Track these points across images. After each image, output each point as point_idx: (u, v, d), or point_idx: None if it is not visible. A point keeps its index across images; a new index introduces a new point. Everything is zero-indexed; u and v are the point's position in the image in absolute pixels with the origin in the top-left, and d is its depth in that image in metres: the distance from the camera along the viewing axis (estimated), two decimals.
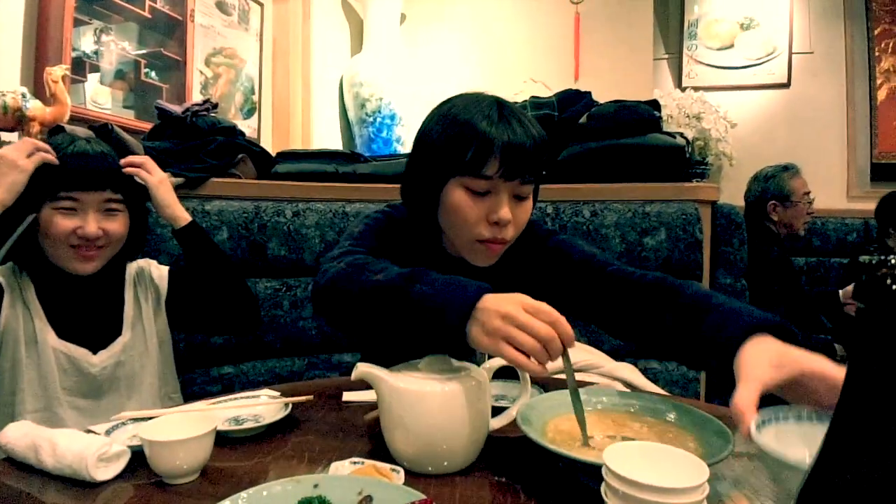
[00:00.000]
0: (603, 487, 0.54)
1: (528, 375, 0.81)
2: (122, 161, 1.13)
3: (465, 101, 0.92)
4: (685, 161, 1.76)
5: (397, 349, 0.83)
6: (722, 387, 1.76)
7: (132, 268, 1.21)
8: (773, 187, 2.31)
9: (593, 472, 0.60)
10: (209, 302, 1.21)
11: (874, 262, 0.24)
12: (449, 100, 0.94)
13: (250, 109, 3.18)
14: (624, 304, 0.91)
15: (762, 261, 2.08)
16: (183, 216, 1.20)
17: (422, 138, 0.94)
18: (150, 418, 0.79)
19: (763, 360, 0.67)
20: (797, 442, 0.57)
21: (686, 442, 0.72)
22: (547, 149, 0.91)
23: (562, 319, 0.68)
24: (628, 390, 1.00)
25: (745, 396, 0.62)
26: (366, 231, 0.99)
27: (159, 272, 1.24)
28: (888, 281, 0.24)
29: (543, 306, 0.69)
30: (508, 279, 0.97)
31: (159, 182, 1.18)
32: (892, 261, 0.24)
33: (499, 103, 0.90)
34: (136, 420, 0.86)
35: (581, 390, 0.84)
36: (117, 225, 1.09)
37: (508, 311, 0.68)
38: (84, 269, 1.06)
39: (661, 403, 0.82)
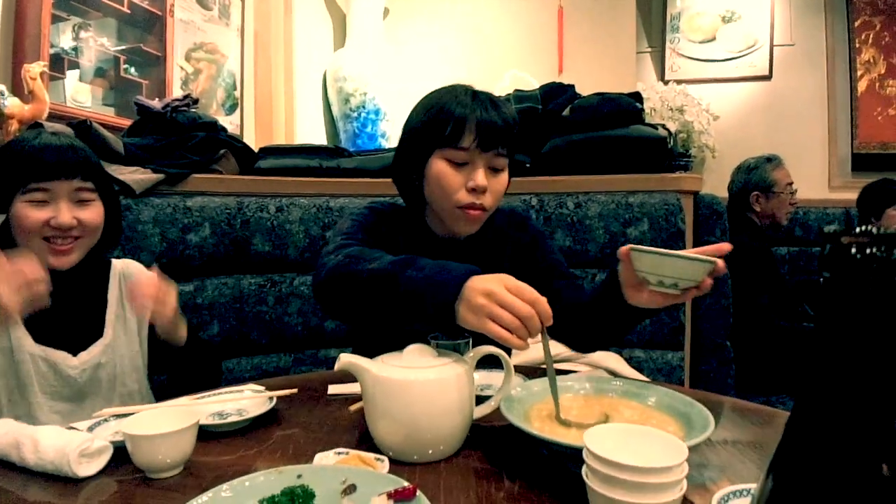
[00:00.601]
0: (584, 469, 0.55)
1: (511, 364, 0.82)
2: (130, 287, 1.05)
3: (443, 90, 1.06)
4: (667, 152, 1.77)
5: (391, 341, 0.84)
6: (706, 376, 1.78)
7: (117, 266, 1.18)
8: (756, 178, 2.32)
9: (576, 457, 0.60)
10: (178, 371, 1.19)
11: (838, 231, 0.25)
12: (428, 94, 1.08)
13: (232, 105, 3.15)
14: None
15: (743, 251, 2.10)
16: (183, 336, 1.13)
17: (408, 124, 1.08)
18: (132, 414, 0.78)
19: None
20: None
21: (667, 425, 0.73)
22: (516, 129, 1.03)
23: (541, 299, 0.74)
24: (614, 378, 1.01)
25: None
26: (354, 226, 1.05)
27: None
28: (853, 250, 0.24)
29: (525, 287, 0.75)
30: (493, 254, 1.08)
31: (172, 312, 1.07)
32: (856, 229, 0.24)
33: (473, 90, 1.04)
34: (118, 416, 0.86)
35: (565, 377, 0.85)
36: (91, 213, 1.06)
37: (492, 289, 0.74)
38: (61, 264, 1.03)
39: (644, 388, 0.83)
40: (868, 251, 0.24)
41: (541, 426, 0.74)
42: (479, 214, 1.02)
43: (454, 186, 0.99)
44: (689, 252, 0.80)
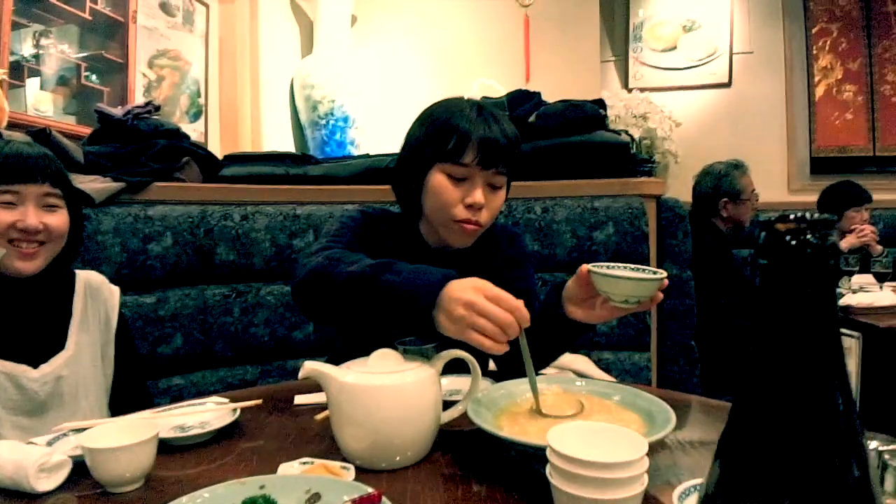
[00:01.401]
0: (548, 468, 0.55)
1: (478, 369, 0.82)
2: None
3: (448, 103, 1.06)
4: (630, 157, 1.81)
5: (368, 350, 0.83)
6: (673, 376, 1.81)
7: (81, 277, 1.15)
8: (726, 185, 2.37)
9: (542, 457, 0.61)
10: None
11: (773, 218, 0.25)
12: (433, 104, 1.08)
13: (196, 112, 3.10)
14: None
15: (705, 253, 2.14)
16: None
17: (410, 133, 1.08)
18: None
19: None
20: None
21: (631, 423, 0.74)
22: (519, 146, 1.03)
23: (520, 307, 0.76)
24: (579, 378, 1.02)
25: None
26: (342, 229, 1.06)
27: (113, 301, 1.19)
28: (787, 237, 0.25)
29: (503, 295, 0.76)
30: (482, 267, 1.07)
31: None
32: (790, 216, 0.25)
33: (478, 105, 1.03)
34: (77, 431, 0.83)
35: (538, 378, 0.85)
36: (58, 219, 1.05)
37: (470, 299, 0.75)
38: (25, 269, 1.02)
39: (609, 388, 0.84)
40: (802, 237, 0.24)
41: (509, 428, 0.74)
42: (475, 229, 1.03)
43: (452, 201, 1.00)
44: (639, 270, 0.87)
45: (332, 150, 3.42)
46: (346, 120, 3.42)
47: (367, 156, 2.15)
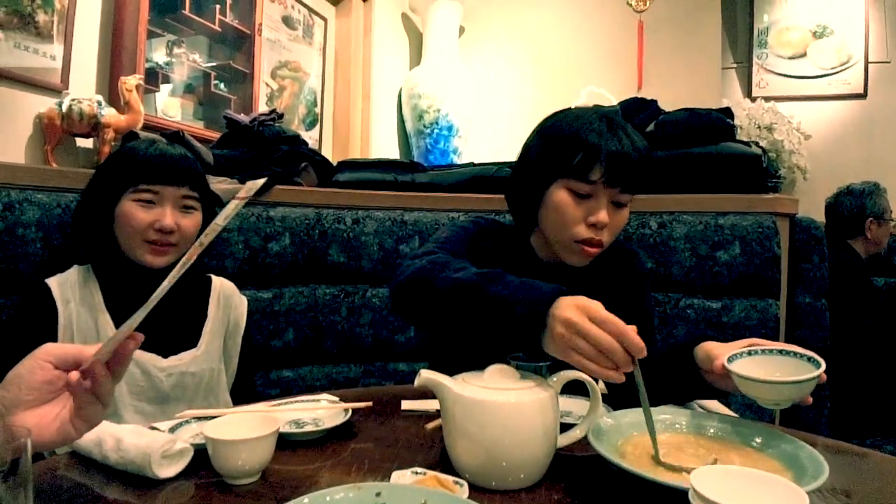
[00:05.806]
0: None
1: (598, 392, 0.77)
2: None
3: (573, 114, 0.99)
4: (762, 171, 1.66)
5: (469, 357, 0.81)
6: (799, 413, 1.64)
7: (216, 284, 1.22)
8: (872, 205, 2.23)
9: (673, 496, 0.55)
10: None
11: None
12: (555, 114, 1.02)
13: (313, 120, 3.25)
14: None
15: (843, 279, 1.96)
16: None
17: (529, 144, 1.03)
18: (214, 417, 0.79)
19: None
20: (759, 369, 0.74)
21: (776, 471, 0.66)
22: (650, 161, 0.96)
23: (628, 332, 0.66)
24: (703, 412, 0.94)
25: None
26: (452, 237, 1.02)
27: (242, 309, 1.25)
28: None
29: (610, 317, 0.67)
30: (595, 286, 0.98)
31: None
32: None
33: (607, 117, 0.96)
34: (199, 419, 0.86)
35: (657, 410, 0.79)
36: (192, 222, 1.10)
37: (570, 318, 0.68)
38: (156, 262, 1.07)
39: (746, 427, 0.76)
40: None
41: (634, 462, 0.69)
42: (595, 251, 0.97)
43: (574, 220, 0.95)
44: (787, 355, 0.74)
45: (436, 158, 3.47)
46: (450, 129, 3.46)
47: (472, 164, 2.15)
